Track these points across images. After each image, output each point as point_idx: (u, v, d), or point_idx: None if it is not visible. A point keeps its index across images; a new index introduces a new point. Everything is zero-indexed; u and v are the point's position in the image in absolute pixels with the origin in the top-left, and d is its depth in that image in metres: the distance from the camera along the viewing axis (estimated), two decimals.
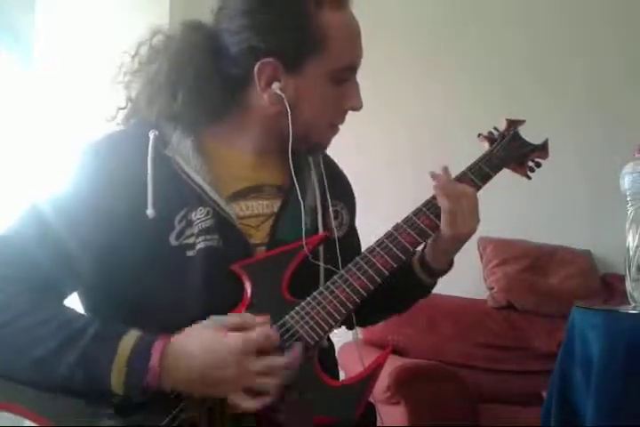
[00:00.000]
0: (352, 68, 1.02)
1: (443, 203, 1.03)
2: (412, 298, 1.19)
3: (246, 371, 0.85)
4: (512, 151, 1.12)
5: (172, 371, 0.84)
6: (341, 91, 1.01)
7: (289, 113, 0.98)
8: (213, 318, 0.89)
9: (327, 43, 0.97)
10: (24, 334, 0.85)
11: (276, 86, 0.98)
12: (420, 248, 1.10)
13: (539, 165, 1.16)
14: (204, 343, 0.86)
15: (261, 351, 0.86)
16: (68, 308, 0.92)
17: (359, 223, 1.19)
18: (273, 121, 1.02)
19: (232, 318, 0.89)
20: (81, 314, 0.91)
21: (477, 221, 1.05)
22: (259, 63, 0.97)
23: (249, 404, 0.86)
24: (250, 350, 0.86)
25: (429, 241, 1.08)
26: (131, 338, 0.85)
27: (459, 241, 1.06)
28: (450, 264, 1.12)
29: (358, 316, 1.04)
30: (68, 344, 0.84)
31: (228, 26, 0.99)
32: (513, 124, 1.14)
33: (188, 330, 0.88)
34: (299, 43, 0.97)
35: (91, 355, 0.84)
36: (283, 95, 0.98)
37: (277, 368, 0.87)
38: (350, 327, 1.08)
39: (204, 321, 0.89)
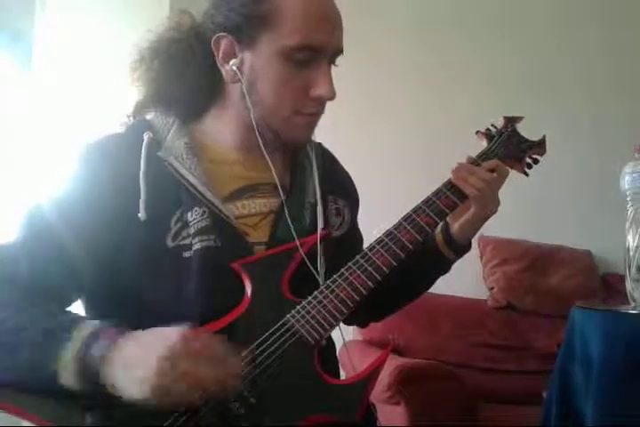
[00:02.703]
0: (309, 48, 0.95)
1: (468, 191, 1.04)
2: (434, 278, 1.18)
3: (169, 368, 0.78)
4: (510, 148, 1.13)
5: (116, 357, 0.80)
6: (307, 75, 0.97)
7: (245, 91, 0.96)
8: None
9: (280, 18, 0.94)
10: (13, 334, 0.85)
11: (233, 62, 0.98)
12: (440, 229, 1.12)
13: (536, 161, 1.16)
14: (146, 336, 0.82)
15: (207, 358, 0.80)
16: (66, 311, 0.91)
17: (367, 222, 1.19)
18: (242, 106, 0.99)
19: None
20: (78, 316, 0.90)
21: (497, 203, 1.07)
22: (214, 38, 0.98)
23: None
24: (184, 346, 0.79)
25: (454, 220, 1.10)
26: (87, 326, 0.84)
27: (480, 221, 1.09)
28: (470, 243, 1.14)
29: (374, 306, 1.03)
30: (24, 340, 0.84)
31: (204, 9, 1.01)
32: (511, 121, 1.14)
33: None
34: (250, 17, 0.95)
35: (43, 346, 0.83)
36: (237, 72, 0.97)
37: (203, 380, 0.79)
38: (349, 324, 1.07)
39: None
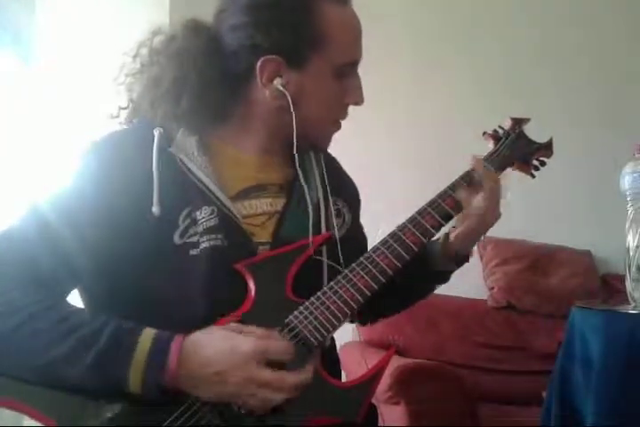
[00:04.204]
0: (354, 63, 1.02)
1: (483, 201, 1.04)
2: (432, 288, 1.19)
3: (252, 379, 0.84)
4: (517, 150, 1.13)
5: (188, 370, 0.84)
6: (343, 85, 1.02)
7: (292, 109, 0.98)
8: (232, 325, 0.89)
9: (330, 38, 0.98)
10: (37, 336, 0.84)
11: (277, 82, 0.98)
12: (441, 241, 1.11)
13: (543, 163, 1.16)
14: (218, 344, 0.85)
15: (274, 364, 0.86)
16: (78, 308, 0.92)
17: (363, 221, 1.19)
18: (276, 118, 1.02)
19: (250, 327, 0.89)
20: (93, 314, 0.90)
21: (498, 215, 1.08)
22: (261, 60, 0.97)
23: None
24: (262, 357, 0.85)
25: (454, 232, 1.09)
26: (147, 338, 0.85)
27: (478, 231, 1.08)
28: (468, 255, 1.13)
29: (376, 308, 1.04)
30: (83, 346, 0.83)
31: (230, 24, 0.99)
32: (518, 122, 1.14)
33: (203, 330, 0.87)
34: (301, 39, 0.97)
35: (107, 357, 0.83)
36: (285, 91, 0.98)
37: (286, 385, 0.86)
38: (353, 321, 1.07)
39: (220, 326, 0.89)
